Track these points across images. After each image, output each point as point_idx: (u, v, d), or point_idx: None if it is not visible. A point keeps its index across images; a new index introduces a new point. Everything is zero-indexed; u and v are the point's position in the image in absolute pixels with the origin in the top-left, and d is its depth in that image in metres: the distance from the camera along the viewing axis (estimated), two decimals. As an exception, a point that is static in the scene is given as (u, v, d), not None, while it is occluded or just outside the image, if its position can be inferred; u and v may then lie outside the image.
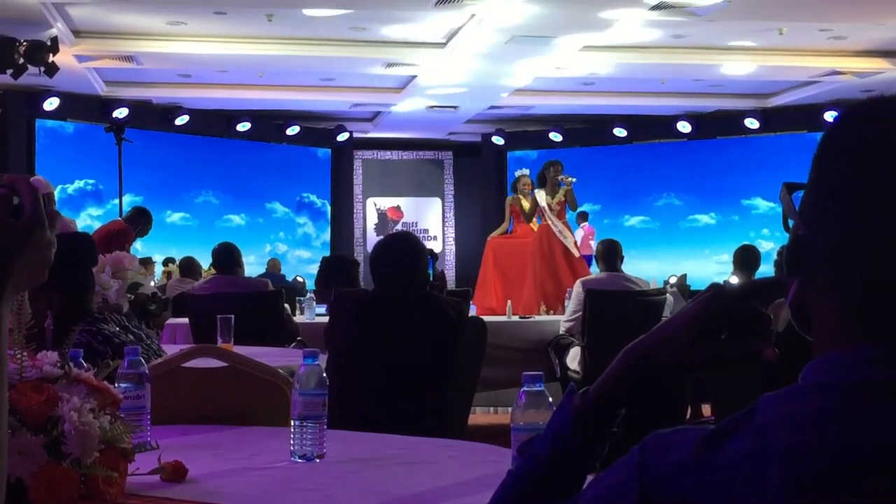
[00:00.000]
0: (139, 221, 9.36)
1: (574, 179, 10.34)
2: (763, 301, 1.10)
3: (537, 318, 8.42)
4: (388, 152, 18.35)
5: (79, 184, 14.30)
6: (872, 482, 0.90)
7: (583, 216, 18.03)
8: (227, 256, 7.28)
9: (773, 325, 1.09)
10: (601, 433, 1.16)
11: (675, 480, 0.97)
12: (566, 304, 7.50)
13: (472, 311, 8.40)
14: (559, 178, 10.23)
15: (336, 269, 5.90)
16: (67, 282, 2.70)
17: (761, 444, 0.93)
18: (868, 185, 0.98)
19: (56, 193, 13.65)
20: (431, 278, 4.85)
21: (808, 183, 1.04)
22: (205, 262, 11.48)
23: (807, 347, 1.03)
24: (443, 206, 18.62)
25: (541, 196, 10.27)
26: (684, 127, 15.61)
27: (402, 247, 4.05)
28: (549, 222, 10.13)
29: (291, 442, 2.13)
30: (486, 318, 6.41)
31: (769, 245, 14.35)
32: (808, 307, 1.04)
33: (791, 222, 1.06)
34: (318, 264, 6.40)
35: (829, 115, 13.68)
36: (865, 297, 0.98)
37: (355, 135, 16.91)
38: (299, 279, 13.66)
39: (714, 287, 1.12)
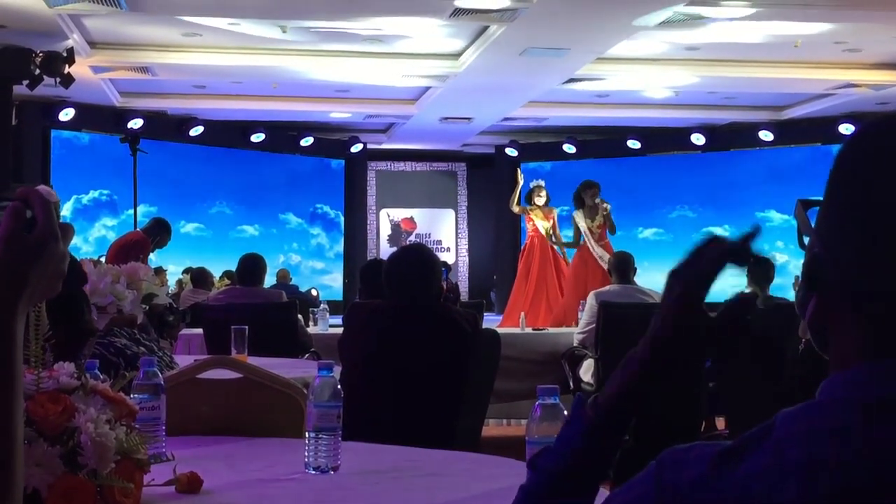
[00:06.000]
0: (158, 232, 9.39)
1: (609, 206, 10.29)
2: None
3: (551, 330, 8.43)
4: (402, 163, 18.36)
5: (93, 194, 14.34)
6: (890, 501, 0.90)
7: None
8: (254, 267, 7.16)
9: (801, 332, 1.11)
10: (613, 443, 1.17)
11: (693, 496, 0.97)
12: (579, 316, 7.50)
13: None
14: (595, 201, 10.22)
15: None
16: (62, 302, 2.71)
17: (778, 460, 0.93)
18: (884, 202, 0.98)
19: (70, 204, 13.72)
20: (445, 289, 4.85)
21: (823, 199, 1.04)
22: (217, 272, 11.51)
23: (825, 366, 1.02)
24: (456, 217, 18.61)
25: (580, 218, 10.24)
26: (698, 139, 15.59)
27: (415, 258, 4.06)
28: (589, 246, 10.11)
29: (306, 454, 2.13)
30: (500, 331, 6.41)
31: (783, 258, 14.30)
32: (825, 325, 1.03)
33: (806, 239, 1.05)
34: (359, 271, 6.53)
35: (844, 128, 13.63)
36: (883, 314, 0.97)
37: (369, 146, 16.92)
38: (314, 292, 13.67)
39: (672, 276, 1.13)
